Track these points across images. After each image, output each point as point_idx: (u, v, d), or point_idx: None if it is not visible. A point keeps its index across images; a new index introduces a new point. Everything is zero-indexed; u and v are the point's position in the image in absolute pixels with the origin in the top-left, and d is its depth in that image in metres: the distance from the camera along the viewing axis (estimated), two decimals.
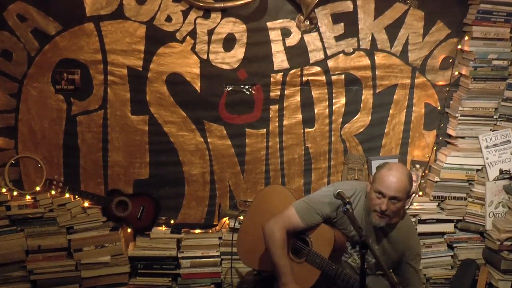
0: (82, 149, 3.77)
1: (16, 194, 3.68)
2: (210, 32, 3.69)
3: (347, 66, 3.82)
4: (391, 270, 3.03)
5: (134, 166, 3.82)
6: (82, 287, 3.72)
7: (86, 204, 3.76)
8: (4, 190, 3.65)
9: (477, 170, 3.87)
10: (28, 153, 3.71)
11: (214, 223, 3.91)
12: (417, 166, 3.96)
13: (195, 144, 3.83)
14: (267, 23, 3.70)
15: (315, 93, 3.84)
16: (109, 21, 3.62)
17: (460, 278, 3.74)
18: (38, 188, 3.70)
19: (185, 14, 3.65)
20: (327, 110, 3.87)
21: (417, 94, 3.92)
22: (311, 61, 3.79)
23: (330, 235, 2.90)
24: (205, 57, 3.72)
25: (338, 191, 2.78)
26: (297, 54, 3.77)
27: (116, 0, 3.60)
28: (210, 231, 3.86)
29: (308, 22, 3.73)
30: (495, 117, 3.87)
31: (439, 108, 3.95)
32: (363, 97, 3.88)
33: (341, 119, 3.90)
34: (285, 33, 3.73)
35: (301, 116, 3.86)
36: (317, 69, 3.80)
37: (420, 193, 3.96)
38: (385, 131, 3.95)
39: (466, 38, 3.79)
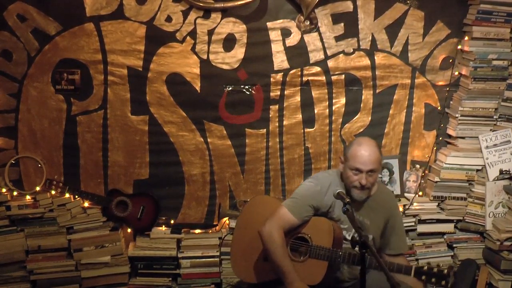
0: (82, 149, 3.77)
1: (16, 194, 3.68)
2: (210, 32, 3.69)
3: (347, 66, 3.82)
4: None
5: (134, 166, 3.82)
6: (82, 287, 3.72)
7: (86, 204, 3.76)
8: (4, 190, 3.65)
9: (477, 170, 3.87)
10: (28, 153, 3.71)
11: (214, 223, 3.91)
12: (417, 166, 3.97)
13: (195, 144, 3.83)
14: (267, 23, 3.70)
15: (315, 93, 3.84)
16: (109, 21, 3.62)
17: (460, 278, 3.74)
18: (38, 188, 3.70)
19: (185, 14, 3.65)
20: (327, 110, 3.87)
21: (417, 94, 3.92)
22: (311, 61, 3.79)
23: (328, 226, 2.92)
24: (205, 57, 3.72)
25: (338, 191, 2.78)
26: (297, 54, 3.77)
27: (116, 0, 3.60)
28: (210, 231, 3.86)
29: (308, 22, 3.73)
30: (495, 117, 3.87)
31: (439, 108, 3.95)
32: (363, 97, 3.88)
33: (341, 119, 3.90)
34: (285, 33, 3.73)
35: (301, 116, 3.86)
36: (317, 69, 3.80)
37: (420, 193, 3.96)
38: (385, 131, 3.95)
39: (466, 38, 3.79)
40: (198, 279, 3.75)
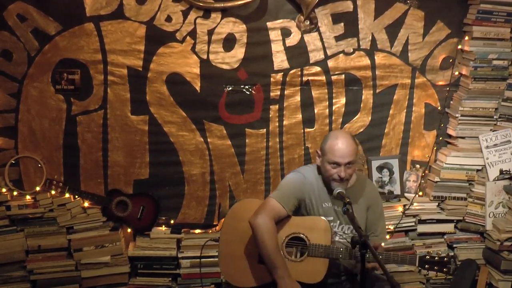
0: (82, 149, 3.77)
1: (16, 194, 3.68)
2: (210, 32, 3.69)
3: (347, 66, 3.82)
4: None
5: (134, 166, 3.82)
6: (82, 287, 3.73)
7: (86, 204, 3.76)
8: (4, 190, 3.65)
9: (477, 170, 3.87)
10: (28, 153, 3.71)
11: (214, 223, 3.91)
12: (417, 166, 3.96)
13: (195, 144, 3.83)
14: (267, 23, 3.70)
15: (315, 93, 3.84)
16: (109, 21, 3.62)
17: (460, 278, 3.74)
18: (38, 188, 3.70)
19: (185, 14, 3.65)
20: (327, 110, 3.87)
21: (417, 94, 3.92)
22: (311, 61, 3.79)
23: (324, 224, 2.93)
24: (205, 57, 3.72)
25: (338, 191, 2.80)
26: (297, 54, 3.77)
27: (116, 0, 3.60)
28: (210, 231, 3.86)
29: (308, 22, 3.73)
30: (495, 117, 3.87)
31: (439, 108, 3.95)
32: (363, 97, 3.88)
33: (341, 119, 3.90)
34: (285, 33, 3.73)
35: (301, 116, 3.86)
36: (317, 69, 3.80)
37: (420, 193, 3.96)
38: (385, 131, 3.94)
39: (466, 38, 3.79)
40: (198, 279, 3.74)
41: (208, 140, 3.83)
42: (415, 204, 3.88)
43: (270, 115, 3.84)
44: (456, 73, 3.89)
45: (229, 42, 3.71)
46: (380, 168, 3.91)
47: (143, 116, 3.77)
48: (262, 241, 2.85)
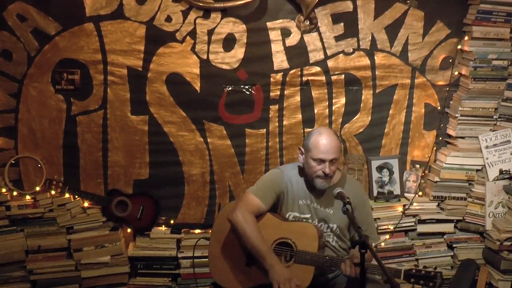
0: (82, 149, 3.77)
1: (16, 194, 3.68)
2: (210, 32, 3.69)
3: (347, 66, 3.82)
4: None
5: (134, 166, 3.82)
6: (82, 287, 3.73)
7: (86, 204, 3.76)
8: (4, 190, 3.65)
9: (477, 170, 3.87)
10: (28, 153, 3.71)
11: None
12: (417, 166, 3.96)
13: (195, 144, 3.83)
14: (267, 23, 3.71)
15: (315, 93, 3.84)
16: (109, 21, 3.62)
17: (460, 278, 3.74)
18: (38, 188, 3.70)
19: (185, 14, 3.65)
20: (327, 110, 3.87)
21: (417, 94, 3.92)
22: (311, 61, 3.79)
23: (312, 231, 2.90)
24: (205, 57, 3.72)
25: (338, 191, 2.79)
26: (297, 54, 3.77)
27: (116, 0, 3.60)
28: (210, 231, 3.85)
29: (308, 22, 3.73)
30: (495, 117, 3.87)
31: (439, 108, 3.95)
32: (363, 97, 3.88)
33: (341, 119, 3.90)
34: (285, 33, 3.74)
35: (301, 116, 3.86)
36: (317, 69, 3.80)
37: (420, 193, 3.96)
38: (385, 131, 3.95)
39: (466, 38, 3.79)
40: (198, 279, 3.74)
41: (208, 140, 3.83)
42: (415, 204, 3.88)
43: (270, 115, 3.84)
44: (456, 73, 3.90)
45: (229, 42, 3.71)
46: (380, 168, 3.91)
47: (143, 116, 3.77)
48: (243, 234, 2.84)
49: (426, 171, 3.97)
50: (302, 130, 3.87)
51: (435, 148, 3.98)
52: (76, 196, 3.73)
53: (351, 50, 3.81)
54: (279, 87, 3.80)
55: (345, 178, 3.11)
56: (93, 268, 3.70)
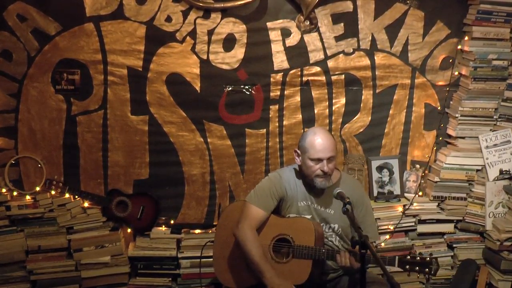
0: (82, 149, 3.77)
1: (16, 194, 3.68)
2: (210, 32, 3.69)
3: (347, 66, 3.82)
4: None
5: (134, 166, 3.82)
6: (82, 287, 3.73)
7: (86, 204, 3.76)
8: (4, 190, 3.65)
9: (477, 170, 3.87)
10: (28, 153, 3.71)
11: (214, 223, 3.90)
12: (417, 166, 3.96)
13: (195, 144, 3.83)
14: (267, 23, 3.70)
15: (315, 93, 3.84)
16: (109, 21, 3.62)
17: (460, 278, 3.74)
18: (38, 188, 3.70)
19: (185, 14, 3.65)
20: (327, 110, 3.87)
21: (417, 94, 3.92)
22: (311, 61, 3.79)
23: (308, 225, 2.95)
24: (205, 57, 3.72)
25: (338, 191, 2.79)
26: (297, 54, 3.77)
27: (116, 0, 3.60)
28: (210, 231, 3.86)
29: (308, 22, 3.73)
30: (495, 117, 3.87)
31: (439, 108, 3.95)
32: (363, 97, 3.88)
33: (341, 119, 3.90)
34: (285, 33, 3.73)
35: (301, 116, 3.86)
36: (317, 69, 3.80)
37: (420, 193, 3.96)
38: (385, 131, 3.95)
39: (466, 38, 3.79)
40: (198, 279, 3.74)
41: (208, 140, 3.83)
42: (415, 204, 3.88)
43: (270, 115, 3.84)
44: (456, 73, 3.90)
45: (229, 42, 3.71)
46: (380, 168, 3.91)
47: (143, 116, 3.77)
48: (247, 252, 2.93)
49: (426, 171, 3.98)
50: (302, 130, 3.87)
51: (435, 148, 3.98)
52: (76, 196, 3.72)
53: (351, 50, 3.81)
54: (279, 87, 3.80)
55: (344, 178, 3.13)
56: (93, 268, 3.70)
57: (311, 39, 3.76)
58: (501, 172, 3.83)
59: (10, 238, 3.62)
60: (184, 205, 3.90)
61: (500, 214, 3.84)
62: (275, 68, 3.77)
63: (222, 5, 3.62)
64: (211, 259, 3.70)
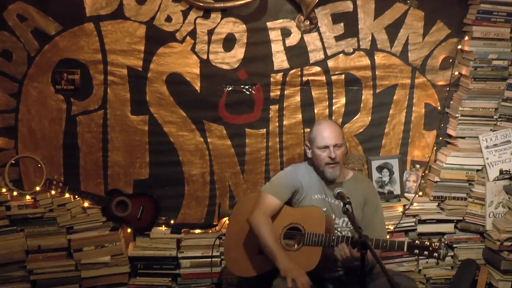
0: (82, 149, 3.77)
1: (16, 194, 3.68)
2: (210, 32, 3.69)
3: (347, 66, 3.82)
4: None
5: (134, 166, 3.82)
6: (82, 287, 3.73)
7: (86, 204, 3.76)
8: (4, 190, 3.65)
9: (477, 170, 3.87)
10: (28, 153, 3.71)
11: (214, 223, 3.91)
12: (417, 166, 3.96)
13: (195, 144, 3.83)
14: (267, 23, 3.70)
15: (315, 93, 3.84)
16: (109, 21, 3.62)
17: (460, 278, 3.74)
18: (38, 188, 3.70)
19: (185, 14, 3.65)
20: (327, 110, 3.87)
21: (417, 94, 3.92)
22: (311, 61, 3.79)
23: (319, 214, 3.01)
24: (205, 57, 3.72)
25: (338, 191, 2.79)
26: (297, 54, 3.77)
27: (116, 0, 3.60)
28: (210, 231, 3.86)
29: (308, 22, 3.73)
30: (495, 117, 3.87)
31: (439, 108, 3.95)
32: (363, 97, 3.88)
33: (341, 119, 3.89)
34: (285, 33, 3.73)
35: (301, 116, 3.86)
36: (317, 69, 3.80)
37: (420, 193, 3.95)
38: (385, 131, 3.94)
39: (466, 38, 3.79)
40: (198, 279, 3.75)
41: (208, 140, 3.83)
42: (415, 204, 3.88)
43: (270, 115, 3.84)
44: (456, 73, 3.89)
45: (229, 42, 3.71)
46: (380, 168, 3.91)
47: (143, 116, 3.77)
48: (259, 236, 2.98)
49: (426, 171, 3.97)
50: (302, 130, 3.87)
51: (435, 148, 3.98)
52: (76, 196, 3.73)
53: (351, 50, 3.81)
54: (279, 87, 3.80)
55: (357, 175, 3.28)
56: (93, 268, 3.70)
57: (311, 39, 3.76)
58: (501, 172, 3.83)
59: (10, 238, 3.63)
60: (184, 205, 3.90)
61: (500, 214, 3.83)
62: (275, 68, 3.77)
63: (222, 5, 3.62)
64: (211, 259, 3.73)
